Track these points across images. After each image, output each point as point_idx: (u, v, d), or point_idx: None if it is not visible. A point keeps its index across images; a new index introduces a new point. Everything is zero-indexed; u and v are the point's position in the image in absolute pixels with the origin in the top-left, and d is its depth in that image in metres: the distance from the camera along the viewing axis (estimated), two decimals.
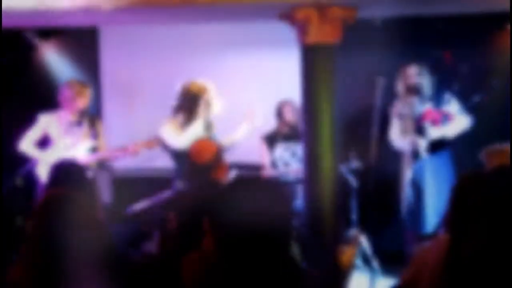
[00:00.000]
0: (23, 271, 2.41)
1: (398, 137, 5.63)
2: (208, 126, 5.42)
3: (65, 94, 5.53)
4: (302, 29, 4.51)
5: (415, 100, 5.54)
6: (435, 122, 5.33)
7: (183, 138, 5.27)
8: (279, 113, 6.24)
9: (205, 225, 1.87)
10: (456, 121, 5.41)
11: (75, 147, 5.52)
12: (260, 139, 6.23)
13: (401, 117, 5.64)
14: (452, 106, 5.44)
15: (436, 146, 5.43)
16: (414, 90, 5.51)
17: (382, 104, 5.38)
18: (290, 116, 6.18)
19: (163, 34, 7.10)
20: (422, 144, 5.38)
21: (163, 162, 7.15)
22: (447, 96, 5.45)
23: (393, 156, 5.80)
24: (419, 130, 5.42)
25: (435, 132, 5.36)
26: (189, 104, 5.37)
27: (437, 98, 5.47)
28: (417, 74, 5.50)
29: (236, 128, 5.58)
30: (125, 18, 5.69)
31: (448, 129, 5.40)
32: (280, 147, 6.21)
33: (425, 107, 5.45)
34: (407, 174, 5.55)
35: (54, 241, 2.40)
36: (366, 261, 5.80)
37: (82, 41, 7.32)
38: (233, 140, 5.49)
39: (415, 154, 5.45)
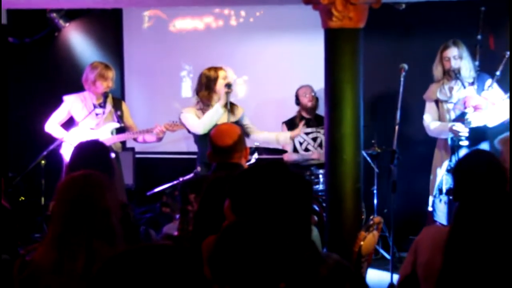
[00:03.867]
0: (48, 250, 2.45)
1: (433, 123, 5.37)
2: (232, 110, 5.44)
3: (89, 75, 5.54)
4: (326, 13, 4.48)
5: (453, 84, 5.31)
6: (477, 109, 5.03)
7: (201, 123, 5.34)
8: (297, 98, 6.25)
9: (226, 208, 1.87)
10: (499, 109, 5.09)
11: (99, 128, 5.55)
12: (281, 124, 6.24)
13: (437, 102, 5.40)
14: (494, 92, 5.16)
15: (477, 137, 5.13)
16: (452, 74, 5.25)
17: (406, 89, 5.30)
18: (306, 98, 6.19)
19: (186, 17, 7.09)
20: (464, 131, 5.08)
21: (185, 145, 7.19)
22: (489, 81, 5.17)
23: (416, 142, 5.75)
24: (460, 116, 5.16)
25: (476, 120, 5.07)
26: (206, 89, 5.41)
27: (477, 83, 5.20)
28: (457, 57, 5.23)
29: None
30: (148, 0, 5.69)
31: (490, 117, 5.10)
32: (301, 132, 6.20)
33: (465, 92, 5.19)
34: (444, 162, 5.30)
35: (77, 220, 2.44)
36: (387, 247, 5.78)
37: (106, 23, 7.35)
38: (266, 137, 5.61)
39: (454, 142, 5.17)
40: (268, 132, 5.69)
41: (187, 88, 7.26)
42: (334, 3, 4.37)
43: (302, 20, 6.39)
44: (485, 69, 5.29)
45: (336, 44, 4.55)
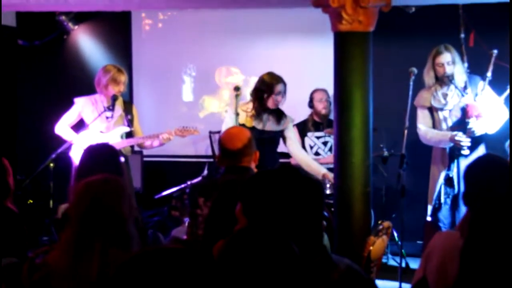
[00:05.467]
0: (63, 254, 2.43)
1: (431, 131, 5.25)
2: (279, 119, 5.29)
3: (102, 79, 5.52)
4: (336, 16, 4.46)
5: (446, 90, 5.20)
6: (479, 117, 4.95)
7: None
8: (310, 101, 6.22)
9: (237, 211, 1.86)
10: (497, 114, 5.02)
11: (109, 131, 5.54)
12: (292, 126, 6.19)
13: (430, 109, 5.28)
14: (488, 95, 5.08)
15: (474, 142, 5.04)
16: (446, 80, 5.14)
17: (415, 93, 5.26)
18: (321, 104, 6.14)
19: (195, 19, 7.10)
20: (466, 141, 4.99)
21: (193, 149, 7.19)
22: (481, 84, 5.08)
23: (425, 146, 5.69)
24: (458, 123, 5.10)
25: (480, 129, 4.98)
26: (255, 93, 5.25)
27: (470, 87, 5.12)
28: (450, 63, 5.12)
29: None
30: (158, 3, 5.69)
31: (491, 124, 5.02)
32: (311, 136, 6.18)
33: (463, 99, 5.11)
34: (441, 171, 5.20)
35: (92, 226, 2.42)
36: (396, 252, 5.75)
37: (114, 26, 7.37)
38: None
39: (454, 151, 5.07)
40: (306, 158, 5.44)
41: (189, 92, 7.28)
42: (344, 6, 4.36)
43: (312, 23, 6.38)
44: (472, 69, 5.23)
45: (345, 48, 4.53)
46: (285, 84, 5.23)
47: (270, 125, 5.27)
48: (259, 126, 5.23)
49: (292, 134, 5.42)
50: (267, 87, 5.18)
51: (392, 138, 6.11)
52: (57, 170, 5.70)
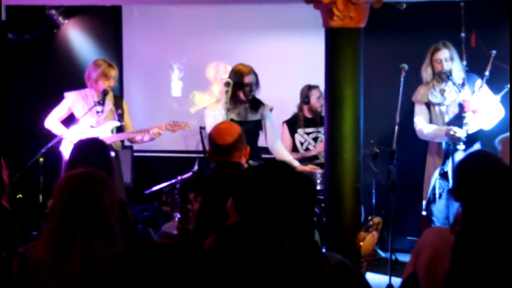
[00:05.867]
0: (45, 248, 2.43)
1: (427, 126, 5.33)
2: (255, 107, 5.32)
3: (92, 73, 5.51)
4: (327, 12, 4.47)
5: (444, 86, 5.28)
6: (475, 112, 5.00)
7: (208, 128, 5.22)
8: (306, 97, 6.17)
9: (228, 206, 1.86)
10: (493, 111, 5.09)
11: (99, 126, 5.53)
12: (282, 123, 6.20)
13: (428, 104, 5.36)
14: (485, 93, 5.13)
15: (470, 139, 5.09)
16: (444, 76, 5.22)
17: (406, 89, 5.27)
18: (318, 102, 6.13)
19: (186, 14, 7.08)
20: (462, 135, 5.05)
21: (184, 143, 7.17)
22: (478, 82, 5.15)
23: (415, 142, 5.72)
24: (455, 119, 5.14)
25: (474, 124, 5.04)
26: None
27: (467, 84, 5.18)
28: (448, 59, 5.20)
29: None
30: None
31: (486, 120, 5.08)
32: (301, 132, 6.17)
33: (460, 95, 5.17)
34: (436, 165, 5.26)
35: (74, 219, 2.42)
36: (386, 247, 5.77)
37: (105, 20, 7.34)
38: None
39: (449, 146, 5.12)
40: (281, 149, 5.51)
41: (180, 87, 7.26)
42: (335, 2, 4.37)
43: (303, 19, 6.38)
44: (471, 68, 5.26)
45: (336, 44, 4.54)
46: (255, 74, 5.25)
47: (247, 115, 5.28)
48: (237, 118, 5.24)
49: (270, 123, 5.44)
50: (237, 79, 5.21)
51: (383, 134, 6.12)
52: (47, 164, 5.67)
